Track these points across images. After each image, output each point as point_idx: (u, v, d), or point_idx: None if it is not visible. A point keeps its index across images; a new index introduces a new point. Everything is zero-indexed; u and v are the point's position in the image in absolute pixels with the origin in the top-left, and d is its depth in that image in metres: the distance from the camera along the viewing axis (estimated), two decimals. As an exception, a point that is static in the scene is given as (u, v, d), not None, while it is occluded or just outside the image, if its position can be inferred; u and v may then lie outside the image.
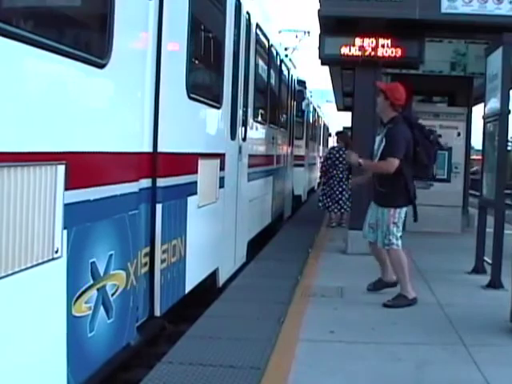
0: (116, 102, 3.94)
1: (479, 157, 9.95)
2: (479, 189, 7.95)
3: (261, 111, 9.53)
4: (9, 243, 2.74)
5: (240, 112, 7.36)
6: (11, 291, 2.77)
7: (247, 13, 7.60)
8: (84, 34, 3.80)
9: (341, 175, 12.10)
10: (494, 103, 7.24)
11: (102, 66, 3.60)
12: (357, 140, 9.43)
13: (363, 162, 6.23)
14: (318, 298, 6.31)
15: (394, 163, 5.95)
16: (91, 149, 3.52)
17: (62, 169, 3.12)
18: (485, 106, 7.77)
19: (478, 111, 12.68)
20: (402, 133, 6.06)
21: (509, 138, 7.39)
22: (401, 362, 4.54)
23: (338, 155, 12.20)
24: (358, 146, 9.26)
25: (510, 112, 6.88)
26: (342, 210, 12.20)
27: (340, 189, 12.15)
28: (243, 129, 7.58)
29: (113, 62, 3.68)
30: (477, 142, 11.59)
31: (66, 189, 3.16)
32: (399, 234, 6.14)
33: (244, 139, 7.61)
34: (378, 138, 6.36)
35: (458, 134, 11.98)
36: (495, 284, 6.84)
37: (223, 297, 6.19)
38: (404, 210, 6.21)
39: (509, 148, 8.31)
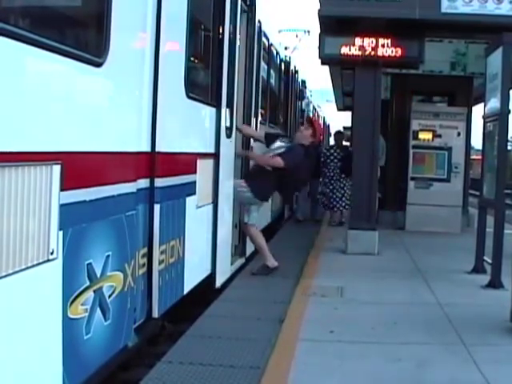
0: (113, 101, 3.91)
1: (479, 157, 9.94)
2: (479, 189, 7.93)
3: (263, 111, 9.52)
4: (3, 244, 2.71)
5: (247, 112, 7.39)
6: (5, 293, 2.74)
7: (247, 11, 7.57)
8: (81, 32, 3.78)
9: (331, 173, 12.10)
10: (494, 103, 7.23)
11: (99, 65, 3.58)
12: (357, 139, 9.42)
13: None
14: (318, 297, 6.30)
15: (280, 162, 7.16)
16: (88, 148, 3.49)
17: (57, 169, 3.08)
18: (485, 106, 7.76)
19: (478, 111, 12.68)
20: (300, 155, 7.31)
21: (509, 138, 7.38)
22: (401, 362, 4.53)
23: (328, 154, 12.22)
24: (358, 145, 9.27)
25: (510, 112, 6.87)
26: (335, 209, 12.21)
27: (331, 187, 12.15)
28: None
29: (110, 60, 3.65)
30: (477, 142, 11.60)
31: (62, 189, 3.13)
32: None
33: None
34: (280, 144, 7.41)
35: (458, 134, 11.99)
36: (495, 284, 6.83)
37: (223, 297, 6.17)
38: None
39: (509, 148, 8.29)
